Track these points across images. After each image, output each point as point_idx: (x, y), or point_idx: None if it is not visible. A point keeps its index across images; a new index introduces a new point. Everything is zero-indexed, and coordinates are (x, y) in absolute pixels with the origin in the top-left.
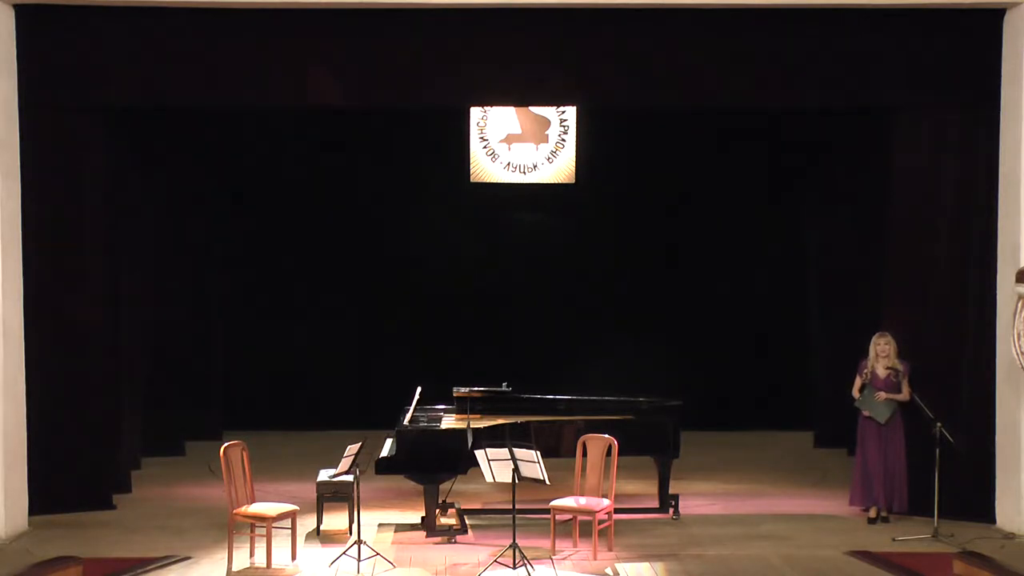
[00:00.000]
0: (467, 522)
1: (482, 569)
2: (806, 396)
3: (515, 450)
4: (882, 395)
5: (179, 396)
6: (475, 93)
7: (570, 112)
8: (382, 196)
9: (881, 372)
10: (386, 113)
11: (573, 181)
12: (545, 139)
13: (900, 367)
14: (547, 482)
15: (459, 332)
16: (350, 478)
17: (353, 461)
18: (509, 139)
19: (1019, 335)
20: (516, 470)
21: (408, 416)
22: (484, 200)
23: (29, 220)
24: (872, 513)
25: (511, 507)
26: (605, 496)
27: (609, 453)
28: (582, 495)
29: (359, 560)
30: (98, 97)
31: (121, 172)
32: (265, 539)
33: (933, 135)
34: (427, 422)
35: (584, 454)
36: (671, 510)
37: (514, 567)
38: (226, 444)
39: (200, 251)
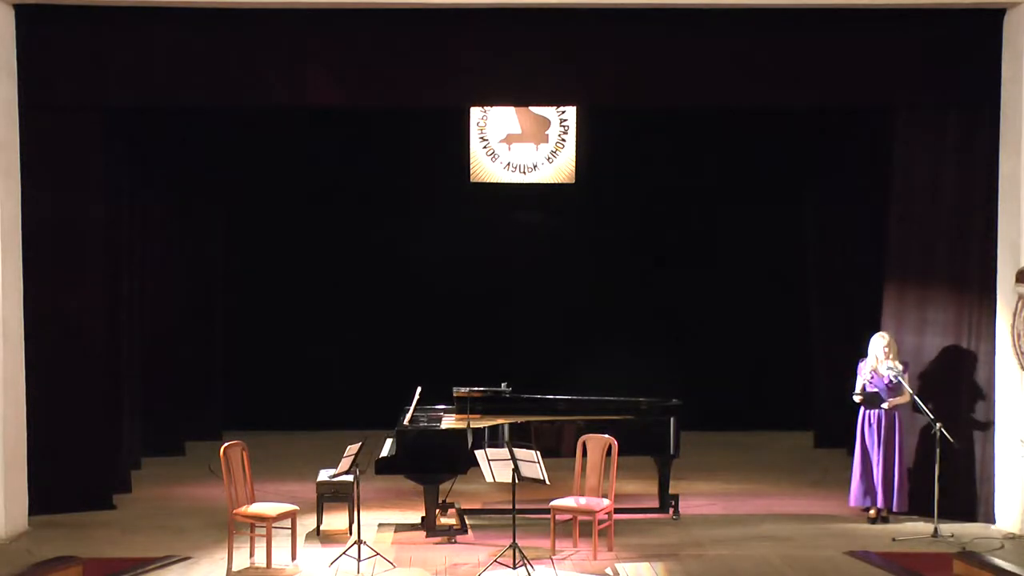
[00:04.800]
0: (467, 522)
1: (482, 569)
2: (806, 396)
3: (515, 450)
4: (887, 404)
5: (179, 396)
6: (475, 93)
7: (570, 112)
8: (382, 196)
9: (881, 372)
10: (386, 113)
11: (573, 181)
12: (545, 139)
13: (900, 367)
14: (547, 482)
15: (459, 332)
16: (350, 478)
17: (353, 461)
18: (509, 139)
19: (1019, 335)
20: (516, 470)
21: (408, 416)
22: (484, 200)
23: (29, 220)
24: (872, 513)
25: (511, 507)
26: (605, 496)
27: (609, 453)
28: (582, 495)
29: (359, 560)
30: (98, 97)
31: (121, 172)
32: (265, 539)
33: (933, 135)
34: (427, 422)
35: (584, 454)
36: (671, 510)
37: (514, 567)
38: (226, 444)
39: (200, 251)
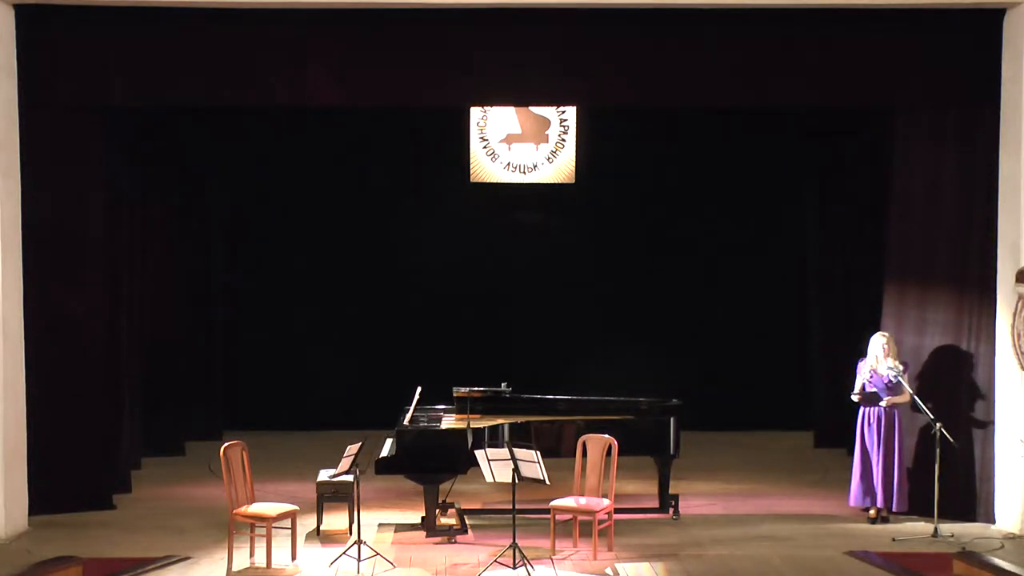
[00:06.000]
0: (467, 522)
1: (482, 569)
2: (806, 396)
3: (515, 450)
4: (885, 401)
5: (179, 396)
6: (475, 93)
7: (570, 112)
8: (382, 196)
9: (881, 372)
10: (386, 113)
11: (573, 181)
12: (545, 139)
13: (899, 367)
14: (547, 482)
15: (459, 332)
16: (350, 478)
17: (353, 461)
18: (509, 139)
19: (1019, 335)
20: (516, 470)
21: (408, 416)
22: (484, 200)
23: (29, 220)
24: (872, 513)
25: (511, 507)
26: (605, 496)
27: (609, 453)
28: (582, 495)
29: (359, 560)
30: (98, 97)
31: (121, 172)
32: (265, 539)
33: (933, 135)
34: (427, 422)
35: (584, 454)
36: (671, 510)
37: (514, 567)
38: (226, 444)
39: (200, 251)
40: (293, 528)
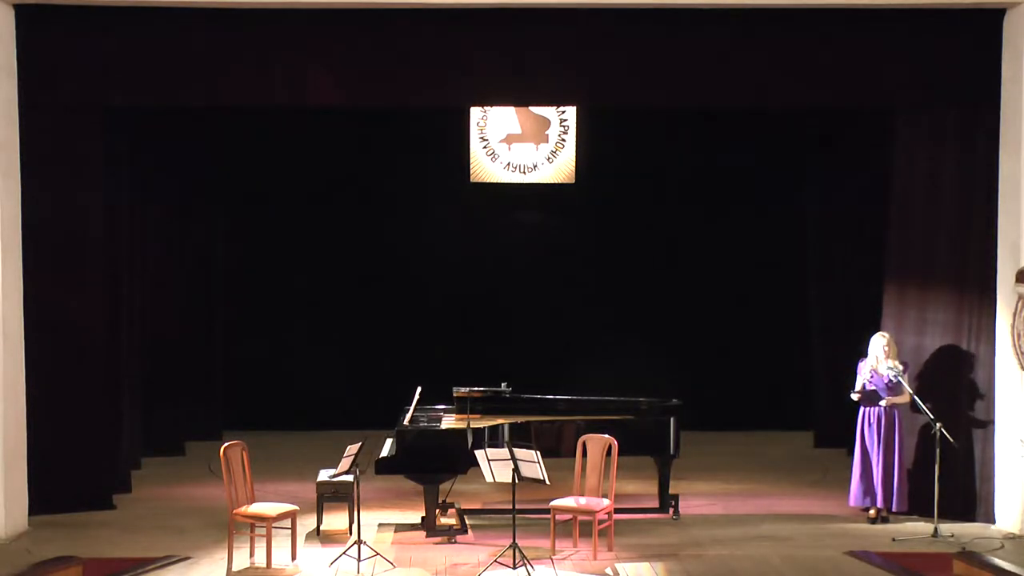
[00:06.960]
0: (467, 522)
1: (482, 569)
2: (806, 396)
3: (515, 450)
4: (885, 401)
5: (179, 396)
6: (476, 93)
7: (570, 112)
8: (382, 196)
9: (881, 372)
10: (386, 113)
11: (573, 181)
12: (545, 139)
13: (900, 367)
14: (547, 482)
15: (459, 332)
16: (350, 478)
17: (353, 461)
18: (509, 139)
19: (1019, 335)
20: (516, 470)
21: (408, 416)
22: (484, 200)
23: (29, 220)
24: (872, 513)
25: (511, 507)
26: (605, 496)
27: (609, 453)
28: (582, 495)
29: (359, 560)
30: (98, 97)
31: (121, 172)
32: (265, 539)
33: (933, 135)
34: (427, 422)
35: (584, 454)
36: (671, 510)
37: (514, 567)
38: (226, 444)
39: (200, 251)
40: (293, 528)
